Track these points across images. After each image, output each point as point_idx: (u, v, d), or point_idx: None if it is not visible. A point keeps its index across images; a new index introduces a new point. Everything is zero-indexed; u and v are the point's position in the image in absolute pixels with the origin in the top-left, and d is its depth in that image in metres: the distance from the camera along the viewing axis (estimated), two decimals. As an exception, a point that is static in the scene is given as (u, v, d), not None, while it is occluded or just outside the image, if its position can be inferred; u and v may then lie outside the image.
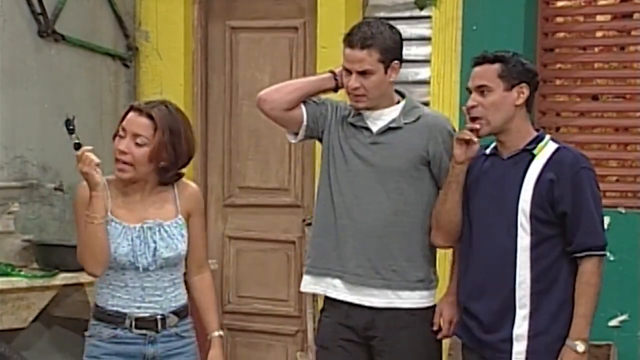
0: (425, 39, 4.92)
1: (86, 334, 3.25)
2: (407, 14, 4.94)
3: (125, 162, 3.20)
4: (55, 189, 5.04)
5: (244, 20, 5.43)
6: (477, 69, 3.33)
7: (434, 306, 3.53)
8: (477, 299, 3.35)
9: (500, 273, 3.27)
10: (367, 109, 3.49)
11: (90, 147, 3.10)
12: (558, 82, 4.83)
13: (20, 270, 4.62)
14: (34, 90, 5.02)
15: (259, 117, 5.32)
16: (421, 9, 4.90)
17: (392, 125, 3.49)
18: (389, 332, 3.48)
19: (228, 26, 5.47)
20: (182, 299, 3.27)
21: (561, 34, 4.84)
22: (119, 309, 3.18)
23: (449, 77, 4.82)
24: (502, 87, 3.28)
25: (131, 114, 3.22)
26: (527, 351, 3.24)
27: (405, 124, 3.48)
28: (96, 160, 3.09)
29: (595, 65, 4.81)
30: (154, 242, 3.19)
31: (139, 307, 3.18)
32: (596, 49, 4.80)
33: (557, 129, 4.80)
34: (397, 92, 3.58)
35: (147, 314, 3.19)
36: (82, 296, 4.72)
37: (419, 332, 3.50)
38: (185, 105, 5.43)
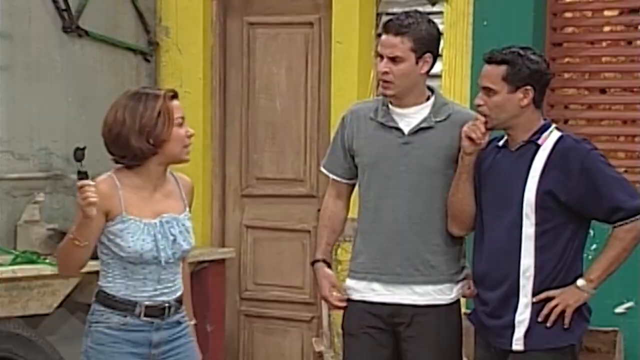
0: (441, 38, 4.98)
1: (89, 319, 3.19)
2: (419, 9, 4.89)
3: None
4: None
5: (260, 16, 5.47)
6: (485, 68, 3.34)
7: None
8: (485, 286, 3.40)
9: (506, 261, 3.32)
10: (397, 98, 3.48)
11: (92, 183, 2.99)
12: (567, 75, 4.84)
13: (45, 258, 4.67)
14: (58, 84, 5.11)
15: (276, 110, 5.50)
16: (433, 4, 4.94)
17: (424, 125, 3.48)
18: (415, 318, 3.50)
19: (245, 22, 5.51)
20: (181, 288, 3.28)
21: (570, 29, 4.85)
22: (131, 298, 3.15)
23: (460, 71, 4.85)
24: (507, 89, 3.29)
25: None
26: (526, 337, 3.29)
27: (437, 122, 3.48)
28: (94, 199, 2.95)
29: (603, 59, 4.82)
30: (173, 235, 3.18)
31: (150, 297, 3.17)
32: (604, 44, 4.81)
33: (566, 122, 4.82)
34: (427, 87, 3.56)
35: (157, 303, 3.18)
36: (104, 283, 4.83)
37: (445, 319, 3.53)
38: (204, 98, 5.51)
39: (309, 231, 5.39)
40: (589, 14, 4.83)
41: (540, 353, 3.29)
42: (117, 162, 3.17)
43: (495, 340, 3.38)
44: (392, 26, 3.44)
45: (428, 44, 3.45)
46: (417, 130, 3.49)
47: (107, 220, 3.11)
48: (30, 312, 4.62)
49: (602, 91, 4.85)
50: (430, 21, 3.51)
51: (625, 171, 4.71)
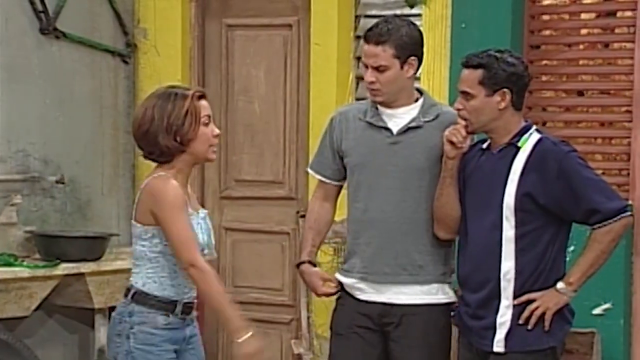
0: (423, 39, 4.98)
1: (130, 321, 3.22)
2: (397, 11, 4.92)
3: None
4: (57, 181, 5.11)
5: (239, 18, 5.47)
6: (462, 72, 3.36)
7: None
8: (468, 287, 3.43)
9: (487, 264, 3.34)
10: (386, 103, 3.50)
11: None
12: (544, 78, 4.85)
13: (22, 261, 4.68)
14: (35, 85, 5.09)
15: (254, 112, 5.50)
16: (411, 7, 4.93)
17: (412, 124, 3.50)
18: (404, 319, 3.52)
19: (224, 24, 5.51)
20: None
21: (547, 32, 4.87)
22: (173, 297, 3.23)
23: (438, 73, 4.85)
24: (484, 93, 3.31)
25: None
26: (506, 339, 3.31)
27: (425, 122, 3.50)
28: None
29: (581, 61, 4.82)
30: (209, 229, 3.32)
31: (186, 293, 3.26)
32: (581, 46, 4.82)
33: (544, 124, 4.81)
34: (416, 89, 3.59)
35: (190, 300, 3.29)
36: (82, 285, 4.79)
37: (434, 320, 3.55)
38: (183, 100, 5.52)
39: (288, 233, 5.39)
40: (566, 16, 4.85)
41: (521, 355, 3.31)
42: (146, 158, 3.27)
43: (477, 341, 3.41)
44: (372, 36, 3.46)
45: (411, 48, 3.47)
46: (406, 130, 3.51)
47: None
48: (8, 315, 4.61)
49: (580, 93, 4.86)
50: (410, 24, 3.52)
51: (603, 173, 4.70)
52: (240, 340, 3.16)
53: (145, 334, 3.21)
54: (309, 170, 3.76)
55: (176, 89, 3.27)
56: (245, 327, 3.16)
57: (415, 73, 3.52)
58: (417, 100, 3.55)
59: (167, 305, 3.23)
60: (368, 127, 3.54)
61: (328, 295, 3.66)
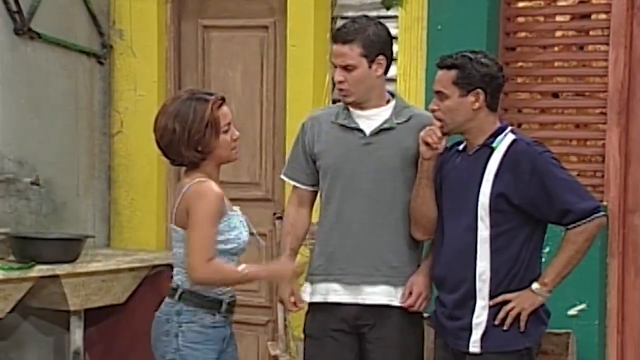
0: (392, 38, 5.01)
1: (177, 319, 3.29)
2: (374, 13, 4.92)
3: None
4: (32, 183, 5.08)
5: (215, 19, 5.47)
6: (437, 73, 3.39)
7: None
8: (444, 288, 3.44)
9: (463, 264, 3.36)
10: (357, 103, 3.52)
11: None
12: (520, 79, 4.88)
13: None
14: (10, 86, 5.06)
15: (231, 113, 5.46)
16: (388, 8, 4.96)
17: (385, 126, 3.52)
18: (379, 321, 3.53)
19: (200, 25, 5.51)
20: None
21: (522, 34, 4.90)
22: (218, 295, 3.31)
23: (414, 74, 4.88)
24: (458, 93, 3.34)
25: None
26: (482, 340, 3.32)
27: (398, 124, 3.52)
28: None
29: (556, 63, 4.86)
30: (247, 226, 3.38)
31: (229, 292, 3.35)
32: (556, 48, 4.86)
33: (519, 125, 4.85)
34: (388, 92, 3.60)
35: (233, 299, 3.37)
36: (57, 287, 4.78)
37: (408, 320, 3.56)
38: (159, 101, 5.44)
39: (264, 234, 5.33)
40: (542, 19, 4.88)
41: (497, 355, 3.33)
42: (173, 164, 3.36)
43: (453, 341, 3.42)
44: (340, 35, 3.49)
45: (378, 47, 3.49)
46: (379, 131, 3.52)
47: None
48: (-18, 317, 4.59)
49: (555, 95, 4.89)
50: (378, 23, 3.54)
51: (578, 174, 4.75)
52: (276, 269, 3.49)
53: (193, 333, 3.27)
54: (283, 177, 3.77)
55: (197, 94, 3.29)
56: (270, 269, 3.54)
57: (384, 73, 3.54)
58: (388, 102, 3.57)
59: (213, 304, 3.30)
60: (340, 130, 3.55)
61: (294, 310, 3.71)
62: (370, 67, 3.48)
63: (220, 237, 3.27)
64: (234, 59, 5.44)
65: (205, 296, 3.29)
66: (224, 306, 3.31)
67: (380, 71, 3.51)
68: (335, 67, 3.50)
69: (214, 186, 3.25)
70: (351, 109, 3.56)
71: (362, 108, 3.54)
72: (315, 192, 3.70)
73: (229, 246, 3.29)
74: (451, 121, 3.36)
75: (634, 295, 4.65)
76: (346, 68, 3.46)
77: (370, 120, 3.53)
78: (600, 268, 4.60)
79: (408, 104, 3.67)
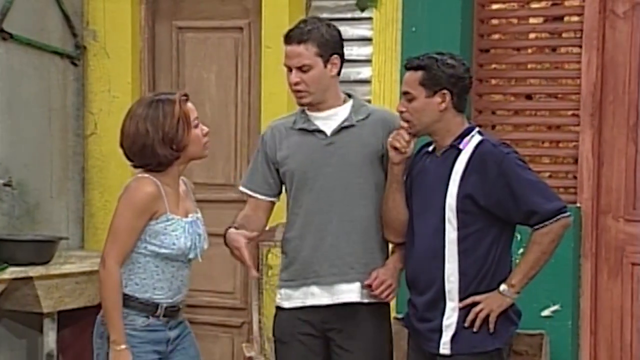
0: (367, 40, 5.00)
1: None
2: (348, 15, 5.00)
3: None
4: (4, 184, 5.06)
5: (190, 20, 5.46)
6: (405, 75, 3.41)
7: None
8: (415, 290, 3.45)
9: (432, 266, 3.36)
10: (314, 104, 3.51)
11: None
12: (493, 81, 4.91)
13: None
14: (-18, 88, 5.03)
15: (205, 114, 5.46)
16: (362, 10, 4.97)
17: (345, 124, 3.52)
18: (346, 324, 3.52)
19: (174, 26, 5.50)
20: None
21: (496, 36, 4.92)
22: (154, 299, 3.28)
23: (389, 76, 4.90)
24: (424, 94, 3.35)
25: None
26: (452, 341, 3.33)
27: (358, 121, 3.52)
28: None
29: (529, 65, 4.89)
30: (199, 234, 3.35)
31: (171, 296, 3.32)
32: (529, 50, 4.88)
33: (493, 127, 4.89)
34: (344, 92, 3.59)
35: (175, 303, 3.34)
36: (31, 290, 4.74)
37: (375, 321, 3.55)
38: (133, 102, 5.48)
39: (238, 236, 5.36)
40: (515, 21, 4.90)
41: (467, 357, 3.33)
42: (136, 167, 3.33)
43: (425, 343, 3.43)
44: (294, 36, 3.48)
45: (332, 46, 3.49)
46: (340, 130, 3.52)
47: (149, 220, 3.24)
48: (-46, 320, 4.56)
49: (528, 97, 4.91)
50: (329, 24, 3.54)
51: (550, 176, 4.80)
52: (114, 351, 3.22)
53: (125, 336, 3.24)
54: (242, 189, 3.70)
55: (160, 95, 3.31)
56: (120, 342, 3.21)
57: (338, 73, 3.53)
58: (345, 102, 3.57)
59: (145, 307, 3.27)
60: (301, 134, 3.55)
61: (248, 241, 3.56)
62: (325, 66, 3.48)
63: (154, 240, 3.26)
64: (208, 60, 5.44)
65: (137, 298, 3.27)
66: (160, 310, 3.29)
67: (335, 71, 3.51)
68: (290, 69, 3.49)
69: (148, 185, 3.24)
70: (309, 113, 3.55)
71: (319, 109, 3.53)
72: (273, 204, 3.67)
73: (162, 250, 3.27)
74: (418, 122, 3.38)
75: (606, 296, 4.68)
76: (301, 69, 3.46)
77: (329, 120, 3.53)
78: (574, 269, 4.63)
79: (365, 103, 3.68)
